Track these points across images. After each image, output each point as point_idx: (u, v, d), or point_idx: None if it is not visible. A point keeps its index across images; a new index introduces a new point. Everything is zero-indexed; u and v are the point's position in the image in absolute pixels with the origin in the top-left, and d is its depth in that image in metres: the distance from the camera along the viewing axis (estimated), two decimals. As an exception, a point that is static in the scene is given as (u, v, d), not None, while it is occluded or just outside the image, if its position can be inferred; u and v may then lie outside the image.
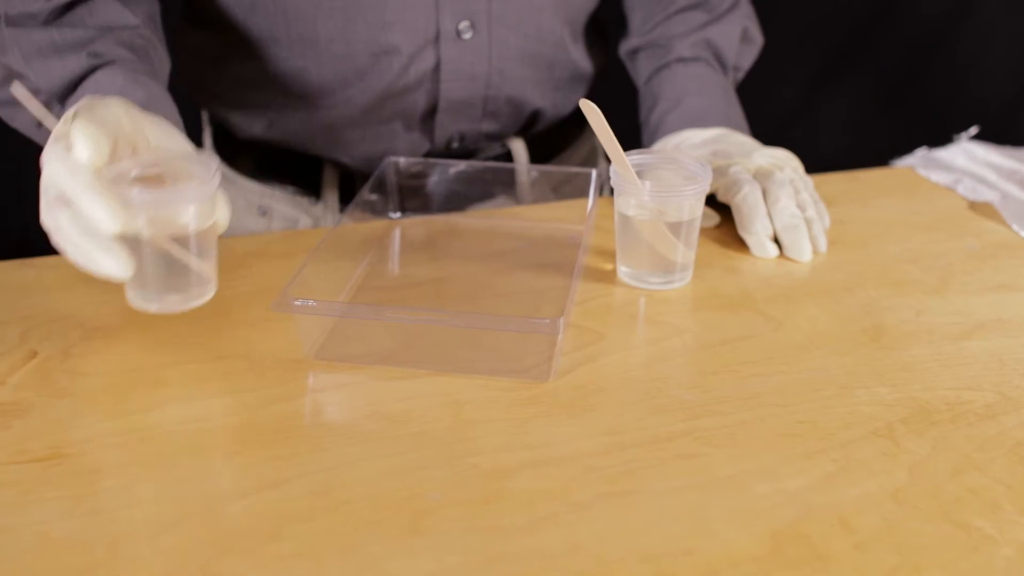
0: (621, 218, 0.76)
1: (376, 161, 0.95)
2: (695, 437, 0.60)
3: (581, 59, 0.99)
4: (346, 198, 0.98)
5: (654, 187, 0.73)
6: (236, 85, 0.95)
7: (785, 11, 1.03)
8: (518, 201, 1.00)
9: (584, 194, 0.96)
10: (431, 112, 0.93)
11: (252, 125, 0.97)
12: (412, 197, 0.87)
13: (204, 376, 0.65)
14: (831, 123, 1.71)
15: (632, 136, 1.17)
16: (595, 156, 1.11)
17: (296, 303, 0.63)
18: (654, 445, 0.59)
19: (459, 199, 0.94)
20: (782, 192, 0.81)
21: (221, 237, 1.01)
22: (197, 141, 1.13)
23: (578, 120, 1.06)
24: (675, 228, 0.75)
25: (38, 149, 1.41)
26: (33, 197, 1.50)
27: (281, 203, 0.99)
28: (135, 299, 0.66)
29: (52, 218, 0.62)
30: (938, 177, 0.96)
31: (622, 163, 0.72)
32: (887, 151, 1.81)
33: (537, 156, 1.02)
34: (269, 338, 0.69)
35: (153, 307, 0.66)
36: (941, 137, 1.15)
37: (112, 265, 0.60)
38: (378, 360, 0.66)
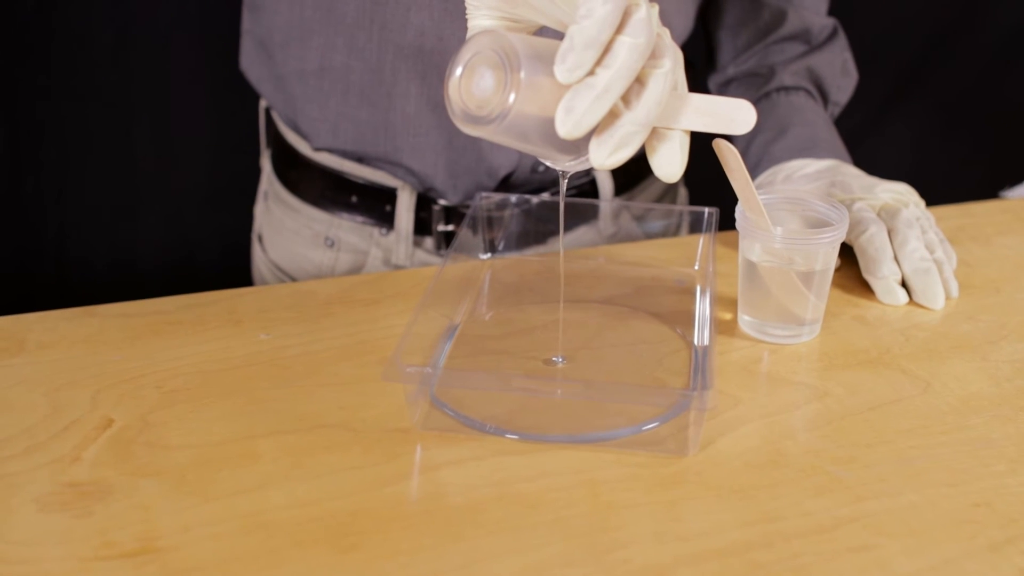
0: (745, 264, 0.69)
1: (458, 177, 0.88)
2: (864, 524, 0.53)
3: None
4: (420, 228, 0.90)
5: (786, 233, 0.67)
6: (294, 79, 0.88)
7: (850, 33, 0.96)
8: (600, 232, 0.93)
9: (674, 228, 0.89)
10: None
11: (319, 131, 0.89)
12: (494, 230, 0.80)
13: (303, 449, 0.58)
14: (894, 146, 1.64)
15: (699, 173, 1.10)
16: (676, 185, 1.04)
17: (409, 370, 0.56)
18: (821, 535, 0.52)
19: (540, 232, 0.87)
20: (910, 233, 0.75)
21: (298, 281, 0.95)
22: (255, 166, 1.06)
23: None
24: (805, 278, 0.68)
25: (77, 152, 1.36)
26: (70, 200, 1.43)
27: (349, 233, 0.92)
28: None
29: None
30: (1058, 211, 0.89)
31: (755, 207, 0.66)
32: (954, 174, 1.76)
33: (620, 184, 0.95)
34: (368, 402, 0.62)
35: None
36: (1010, 161, 1.09)
37: (574, 120, 0.47)
38: (493, 428, 0.59)
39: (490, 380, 0.57)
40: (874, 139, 1.64)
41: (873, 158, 1.47)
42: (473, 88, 0.50)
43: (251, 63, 0.93)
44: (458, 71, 0.50)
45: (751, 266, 0.69)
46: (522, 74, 0.48)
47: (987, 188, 1.72)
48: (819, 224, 0.70)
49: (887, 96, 1.63)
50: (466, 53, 0.50)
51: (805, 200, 0.71)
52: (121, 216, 1.39)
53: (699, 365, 0.64)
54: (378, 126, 0.86)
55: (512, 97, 0.48)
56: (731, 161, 0.63)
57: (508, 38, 0.49)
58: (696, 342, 0.67)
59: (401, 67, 0.83)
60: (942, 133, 1.72)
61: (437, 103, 0.84)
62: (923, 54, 1.65)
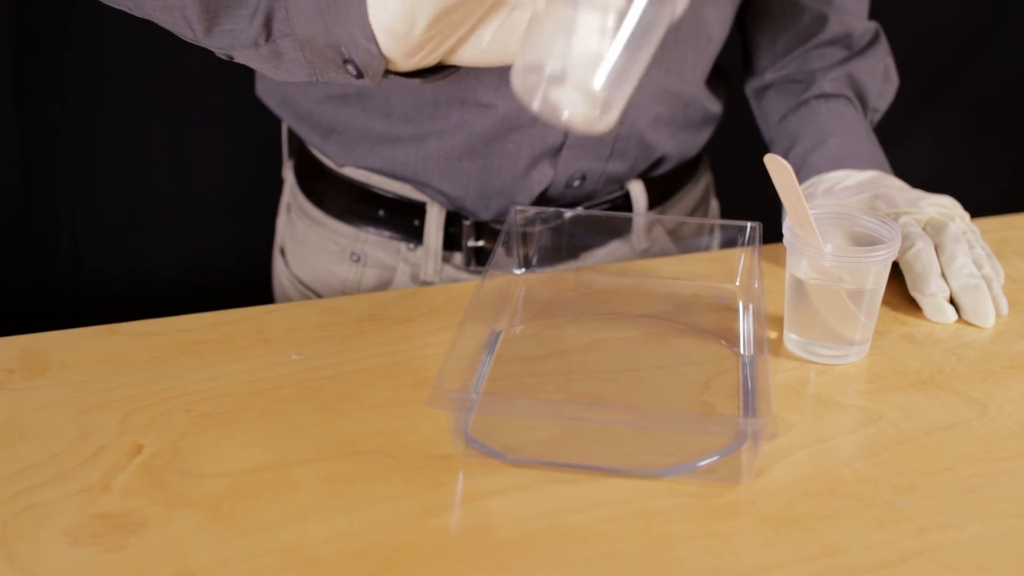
0: (792, 281, 0.67)
1: (490, 198, 0.86)
2: (930, 558, 0.51)
3: (710, 100, 0.90)
4: (449, 244, 0.88)
5: (836, 251, 0.64)
6: (335, 103, 0.85)
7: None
8: (633, 246, 0.91)
9: (708, 242, 0.87)
10: (558, 147, 0.83)
11: (349, 154, 0.87)
12: (528, 245, 0.78)
13: (342, 478, 0.55)
14: (919, 153, 1.62)
15: (730, 183, 1.08)
16: (708, 198, 1.02)
17: (454, 397, 0.54)
18: (886, 570, 0.50)
19: (574, 247, 0.85)
20: (958, 248, 0.72)
21: (323, 296, 0.92)
22: (274, 175, 1.04)
23: (693, 162, 0.97)
24: (855, 296, 0.65)
25: (90, 167, 1.33)
26: (85, 208, 1.39)
27: (376, 248, 0.90)
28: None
29: None
30: (1104, 224, 0.87)
31: (806, 224, 0.63)
32: (980, 182, 1.73)
33: (653, 198, 0.93)
34: (407, 427, 0.60)
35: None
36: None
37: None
38: (538, 454, 0.57)
39: (538, 408, 0.55)
40: (898, 146, 1.61)
41: (898, 165, 1.45)
42: None
43: (270, 89, 0.91)
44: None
45: (798, 284, 0.67)
46: None
47: (1015, 197, 1.70)
48: (866, 240, 0.68)
49: (911, 103, 1.60)
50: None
51: (852, 215, 0.68)
52: (136, 225, 1.37)
53: (752, 390, 0.62)
54: (411, 149, 0.84)
55: None
56: (783, 176, 0.60)
57: None
58: (747, 364, 0.65)
59: (441, 90, 0.80)
60: (967, 140, 1.70)
61: (473, 129, 0.82)
62: (947, 61, 1.63)
